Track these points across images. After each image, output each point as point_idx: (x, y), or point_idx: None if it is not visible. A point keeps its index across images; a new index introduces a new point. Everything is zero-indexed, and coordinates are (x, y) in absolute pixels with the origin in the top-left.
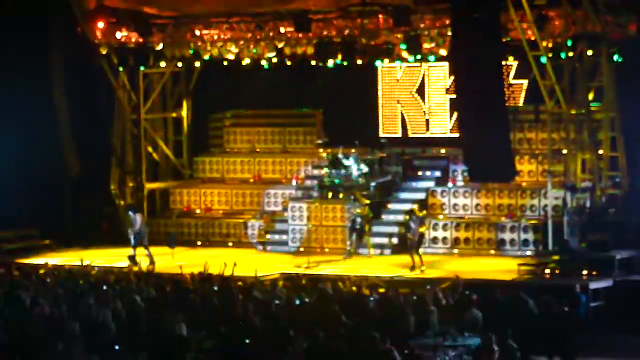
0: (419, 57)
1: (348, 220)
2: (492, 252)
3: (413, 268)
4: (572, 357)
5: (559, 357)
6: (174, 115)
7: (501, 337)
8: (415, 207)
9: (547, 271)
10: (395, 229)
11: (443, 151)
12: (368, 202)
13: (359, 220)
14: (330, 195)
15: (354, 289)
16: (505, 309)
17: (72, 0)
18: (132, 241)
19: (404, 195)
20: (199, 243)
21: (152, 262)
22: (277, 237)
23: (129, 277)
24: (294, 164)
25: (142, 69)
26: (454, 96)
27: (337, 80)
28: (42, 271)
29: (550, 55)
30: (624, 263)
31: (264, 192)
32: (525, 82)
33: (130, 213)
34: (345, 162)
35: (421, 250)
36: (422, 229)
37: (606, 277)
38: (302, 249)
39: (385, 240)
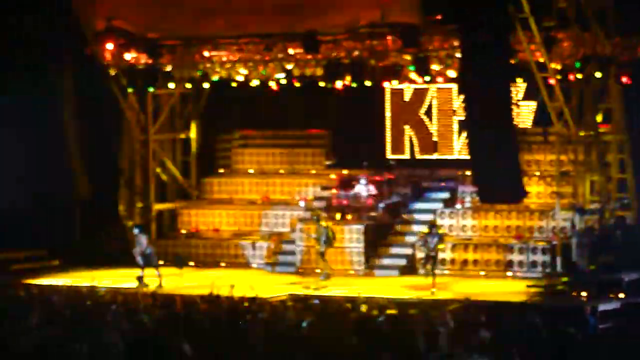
0: (427, 78)
1: (315, 240)
2: (501, 273)
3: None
4: None
5: None
6: (182, 136)
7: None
8: (436, 221)
9: (556, 293)
10: (403, 250)
11: (451, 173)
12: (325, 223)
13: (323, 239)
14: (338, 216)
15: (364, 309)
16: (513, 331)
17: (81, 21)
18: (140, 261)
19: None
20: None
21: (160, 283)
22: (285, 257)
23: (136, 298)
24: (302, 185)
25: (151, 90)
26: (462, 117)
27: (345, 101)
28: (50, 292)
29: (559, 76)
30: (631, 285)
31: (272, 213)
32: (533, 104)
33: (136, 231)
34: (354, 184)
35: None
36: (440, 246)
37: (614, 299)
38: (309, 270)
39: (392, 261)
